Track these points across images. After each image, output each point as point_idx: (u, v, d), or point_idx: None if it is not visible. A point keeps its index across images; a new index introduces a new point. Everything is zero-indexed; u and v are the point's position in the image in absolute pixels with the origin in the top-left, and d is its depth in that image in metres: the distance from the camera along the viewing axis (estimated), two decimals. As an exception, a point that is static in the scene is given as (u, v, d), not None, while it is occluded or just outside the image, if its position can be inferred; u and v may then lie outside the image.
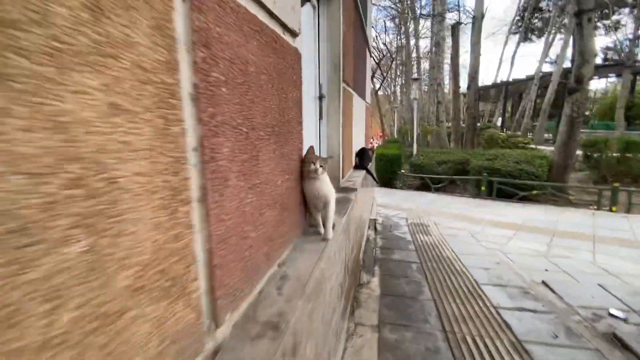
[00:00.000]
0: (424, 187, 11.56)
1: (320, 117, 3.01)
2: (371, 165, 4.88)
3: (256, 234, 1.19)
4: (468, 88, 16.93)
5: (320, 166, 1.59)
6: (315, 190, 1.63)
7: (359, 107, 4.82)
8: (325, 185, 1.66)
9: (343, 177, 3.38)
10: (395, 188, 11.90)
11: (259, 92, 1.15)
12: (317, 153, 3.12)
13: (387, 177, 11.83)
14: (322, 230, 1.76)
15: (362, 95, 5.09)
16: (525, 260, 5.00)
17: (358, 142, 4.71)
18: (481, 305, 3.41)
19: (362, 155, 4.18)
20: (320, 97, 2.96)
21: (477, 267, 4.49)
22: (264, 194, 1.26)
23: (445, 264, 4.52)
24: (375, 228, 5.89)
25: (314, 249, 1.64)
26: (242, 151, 1.04)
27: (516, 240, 6.18)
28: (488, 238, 6.13)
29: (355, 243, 3.18)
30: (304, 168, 1.61)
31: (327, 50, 2.98)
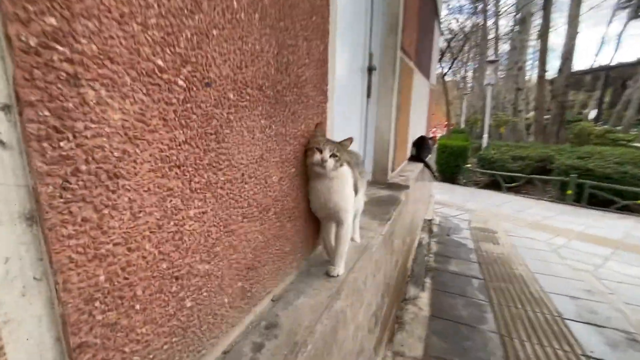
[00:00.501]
0: (493, 185, 10.13)
1: (368, 95, 2.41)
2: (430, 158, 4.12)
3: (215, 265, 0.71)
4: (559, 72, 14.40)
5: (333, 155, 1.02)
6: (320, 195, 1.08)
7: (421, 87, 4.05)
8: (338, 189, 1.08)
9: (394, 171, 2.76)
10: (458, 184, 10.64)
11: (219, 18, 0.64)
12: (361, 142, 2.54)
13: (450, 172, 10.61)
14: (335, 267, 1.17)
15: (425, 73, 4.30)
16: (629, 290, 3.86)
17: (416, 130, 3.98)
18: (567, 350, 2.59)
19: (421, 145, 3.48)
20: (370, 70, 2.35)
21: (560, 293, 3.56)
22: (238, 198, 0.76)
23: (517, 285, 3.66)
24: (430, 230, 5.12)
25: (327, 281, 1.11)
26: (168, 122, 0.56)
27: (615, 261, 4.90)
28: (575, 256, 4.96)
29: (402, 253, 2.57)
30: (306, 158, 1.06)
31: (382, 3, 2.34)
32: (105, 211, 0.47)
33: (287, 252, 1.04)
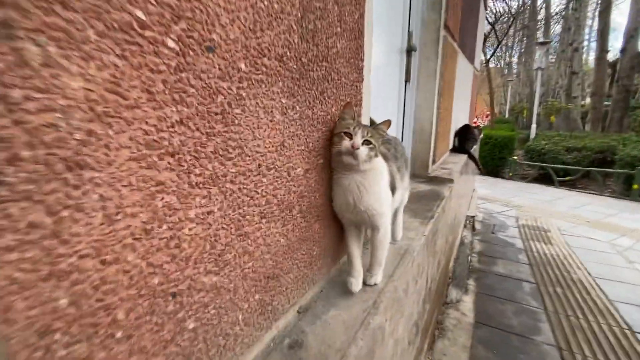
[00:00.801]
0: (542, 179, 9.27)
1: (407, 80, 2.18)
2: (474, 149, 3.77)
3: (225, 276, 0.58)
4: (621, 53, 12.84)
5: (366, 142, 0.83)
6: (348, 194, 0.87)
7: (465, 72, 3.70)
8: (372, 187, 0.88)
9: (435, 163, 2.51)
10: (503, 178, 9.88)
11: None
12: (399, 132, 2.32)
13: (493, 164, 9.85)
14: (361, 276, 0.97)
15: (470, 57, 3.93)
16: None
17: (459, 119, 3.65)
18: (644, 371, 2.23)
19: (465, 135, 3.17)
20: (409, 51, 2.12)
21: (630, 302, 3.13)
22: (253, 194, 0.63)
23: (576, 290, 3.26)
24: (473, 227, 4.76)
25: (363, 290, 0.95)
26: (155, 95, 0.42)
27: (696, 267, 4.24)
28: (646, 259, 4.37)
29: (444, 253, 2.34)
30: (332, 145, 0.86)
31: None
32: (65, 213, 0.35)
33: (315, 257, 0.90)
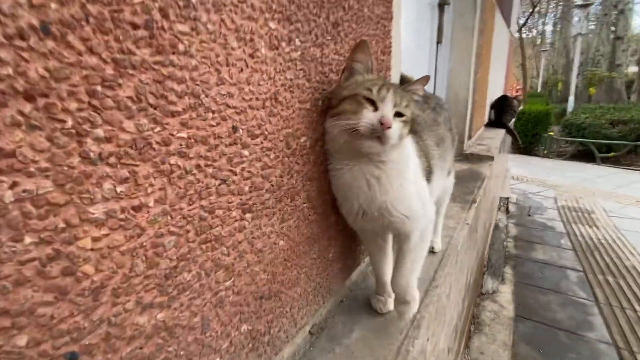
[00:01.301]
0: (581, 156, 8.49)
1: (439, 41, 1.85)
2: (512, 122, 3.36)
3: (178, 309, 0.35)
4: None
5: (398, 114, 0.53)
6: (351, 193, 0.58)
7: (501, 34, 3.26)
8: (396, 181, 0.58)
9: (471, 138, 2.19)
10: (537, 156, 9.17)
11: None
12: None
13: (527, 141, 9.10)
14: (391, 294, 0.70)
15: (506, 17, 3.45)
16: None
17: (495, 89, 3.24)
18: None
19: (503, 107, 2.79)
20: (441, 4, 1.78)
21: (699, 294, 2.72)
22: (226, 175, 0.39)
23: (630, 279, 2.88)
24: (507, 209, 4.38)
25: (389, 318, 0.70)
26: None
27: None
28: None
29: (482, 241, 2.05)
30: (334, 114, 0.53)
31: None
32: None
33: (331, 260, 0.66)
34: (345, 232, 0.69)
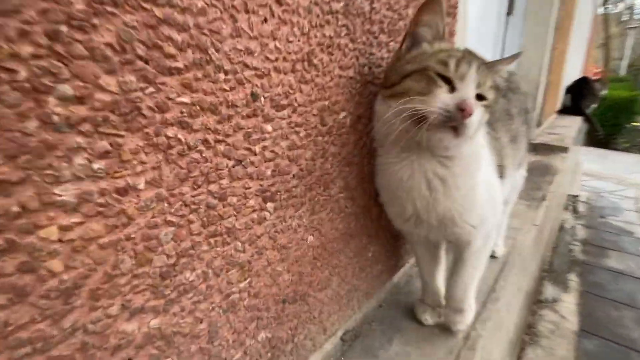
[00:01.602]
0: (673, 151, 7.28)
1: (509, 12, 1.60)
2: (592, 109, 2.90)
3: (182, 313, 0.29)
4: None
5: (479, 98, 0.41)
6: (407, 194, 0.46)
7: (585, 6, 2.79)
8: (459, 183, 0.45)
9: (540, 125, 1.91)
10: (616, 149, 8.00)
11: None
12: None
13: (605, 132, 7.96)
14: (440, 304, 0.61)
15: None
16: None
17: (572, 70, 2.81)
18: None
19: (582, 91, 2.41)
20: (516, -33, 1.53)
21: None
22: (242, 154, 0.31)
23: None
24: (574, 209, 3.88)
25: (436, 332, 0.59)
26: None
27: None
28: None
29: (545, 244, 1.81)
30: (389, 98, 0.41)
31: None
32: None
33: (370, 259, 0.57)
34: (388, 228, 0.59)
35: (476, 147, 0.46)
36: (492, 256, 0.80)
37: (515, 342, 1.45)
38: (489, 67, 0.43)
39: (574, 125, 2.18)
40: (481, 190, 0.48)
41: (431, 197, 0.44)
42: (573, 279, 2.69)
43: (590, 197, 4.56)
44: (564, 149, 1.70)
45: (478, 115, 0.40)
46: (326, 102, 0.39)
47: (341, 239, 0.48)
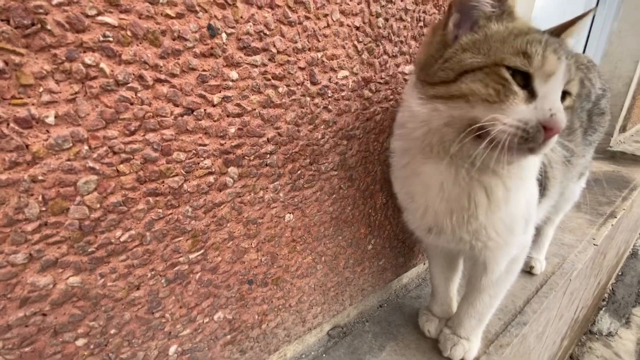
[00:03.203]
0: None
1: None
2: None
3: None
4: None
5: (564, 95, 0.30)
6: (439, 205, 0.36)
7: None
8: (504, 197, 0.35)
9: (624, 132, 1.61)
10: None
11: None
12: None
13: None
14: (438, 320, 0.52)
15: None
16: None
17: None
18: None
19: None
20: None
21: None
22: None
23: None
24: (655, 235, 3.33)
25: (439, 347, 0.50)
26: None
27: None
28: None
29: (608, 269, 1.56)
30: (453, 89, 0.29)
31: None
32: None
33: (372, 253, 0.49)
34: (397, 221, 0.51)
35: (526, 162, 0.36)
36: (531, 272, 0.68)
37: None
38: (565, 46, 0.30)
39: (671, 134, 1.81)
40: (522, 201, 0.38)
41: (469, 210, 0.35)
42: (638, 314, 2.32)
43: (680, 224, 3.87)
44: (651, 161, 1.41)
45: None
46: (319, 54, 0.32)
47: (331, 224, 0.42)
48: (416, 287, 0.64)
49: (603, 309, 2.20)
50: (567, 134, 0.49)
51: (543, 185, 0.45)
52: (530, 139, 0.27)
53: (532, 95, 0.27)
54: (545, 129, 0.26)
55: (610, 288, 2.34)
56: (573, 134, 0.51)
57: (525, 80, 0.28)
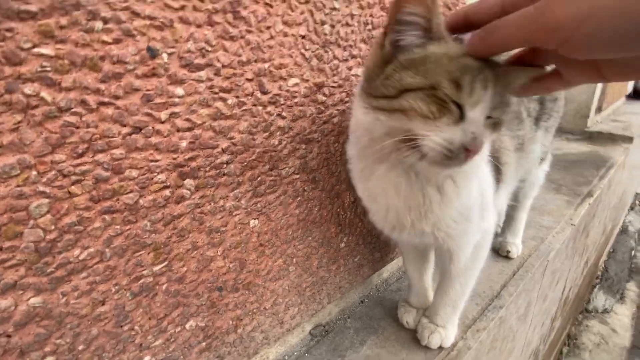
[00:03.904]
0: None
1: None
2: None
3: None
4: None
5: (492, 122, 0.32)
6: (394, 202, 0.38)
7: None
8: (455, 192, 0.38)
9: (600, 112, 1.65)
10: None
11: None
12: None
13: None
14: (416, 311, 0.54)
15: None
16: None
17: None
18: None
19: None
20: None
21: None
22: None
23: None
24: (644, 210, 3.39)
25: (418, 337, 0.51)
26: None
27: None
28: None
29: (596, 248, 1.59)
30: (393, 104, 0.30)
31: None
32: None
33: (345, 251, 0.51)
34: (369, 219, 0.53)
35: (475, 163, 0.37)
36: (507, 257, 0.70)
37: (547, 354, 1.30)
38: (507, 71, 0.30)
39: (647, 111, 1.86)
40: (475, 192, 0.40)
41: (424, 207, 0.37)
42: (632, 288, 2.38)
43: (668, 197, 3.95)
44: (628, 139, 1.45)
45: (486, 146, 0.31)
46: (266, 65, 0.34)
47: (299, 226, 0.43)
48: (397, 280, 0.66)
49: (597, 286, 2.24)
50: (516, 124, 0.52)
51: (498, 172, 0.47)
52: (452, 156, 0.29)
53: (461, 117, 0.29)
54: (466, 150, 0.29)
55: (603, 265, 2.38)
56: (522, 123, 0.53)
57: (457, 107, 0.29)
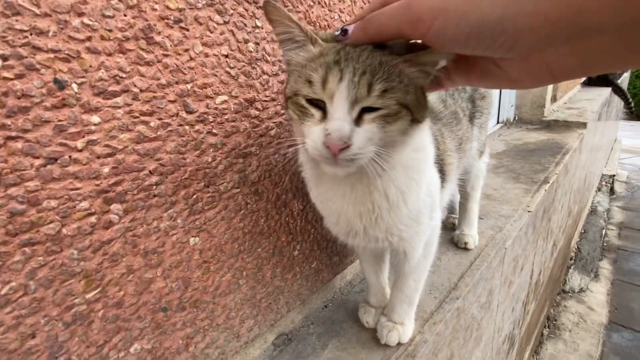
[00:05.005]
0: None
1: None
2: (624, 79, 2.62)
3: None
4: None
5: (369, 110, 0.29)
6: (345, 209, 0.39)
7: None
8: (402, 196, 0.38)
9: (556, 101, 1.73)
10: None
11: None
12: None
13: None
14: (375, 310, 0.55)
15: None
16: None
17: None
18: None
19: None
20: None
21: None
22: None
23: None
24: (611, 190, 3.56)
25: (377, 336, 0.53)
26: None
27: None
28: None
29: (564, 230, 1.65)
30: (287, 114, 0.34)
31: None
32: None
33: (300, 258, 0.52)
34: (322, 224, 0.54)
35: (418, 149, 0.39)
36: (466, 248, 0.73)
37: (525, 338, 1.34)
38: (388, 57, 0.29)
39: (599, 98, 1.96)
40: (422, 193, 0.41)
41: (375, 214, 0.38)
42: (605, 266, 2.48)
43: (631, 176, 4.16)
44: (582, 125, 1.53)
45: (364, 137, 0.29)
46: (188, 86, 0.34)
47: (245, 239, 0.44)
48: (361, 281, 0.67)
49: (572, 267, 2.33)
50: (455, 124, 0.54)
51: (442, 172, 0.49)
52: (325, 156, 0.29)
53: (321, 109, 0.30)
54: (330, 149, 0.29)
55: (576, 246, 2.48)
56: (460, 122, 0.56)
57: (315, 104, 0.30)
